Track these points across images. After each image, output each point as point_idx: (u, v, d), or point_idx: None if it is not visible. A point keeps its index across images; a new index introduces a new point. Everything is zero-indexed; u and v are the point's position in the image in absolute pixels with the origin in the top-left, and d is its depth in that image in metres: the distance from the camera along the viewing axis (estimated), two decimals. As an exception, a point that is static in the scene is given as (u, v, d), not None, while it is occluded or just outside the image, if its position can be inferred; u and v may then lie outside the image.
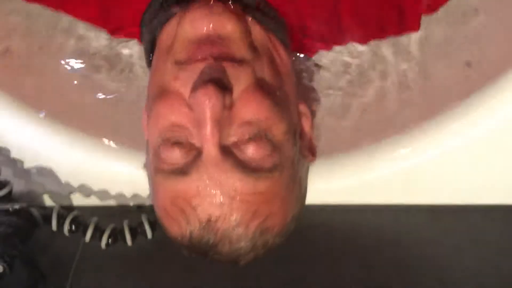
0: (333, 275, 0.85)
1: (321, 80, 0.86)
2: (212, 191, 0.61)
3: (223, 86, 0.62)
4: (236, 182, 0.61)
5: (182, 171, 0.63)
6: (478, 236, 0.88)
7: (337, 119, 0.88)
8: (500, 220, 0.88)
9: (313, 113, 0.78)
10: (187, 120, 0.63)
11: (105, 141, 0.89)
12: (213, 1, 0.68)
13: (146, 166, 0.72)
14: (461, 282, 0.83)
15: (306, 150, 0.73)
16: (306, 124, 0.74)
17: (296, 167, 0.68)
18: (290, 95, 0.70)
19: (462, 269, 0.84)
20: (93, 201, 0.93)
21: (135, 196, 0.92)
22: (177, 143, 0.64)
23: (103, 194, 0.92)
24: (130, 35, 0.83)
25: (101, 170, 0.89)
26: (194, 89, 0.62)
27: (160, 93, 0.66)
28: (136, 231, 0.87)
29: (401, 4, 0.76)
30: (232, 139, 0.63)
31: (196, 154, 0.63)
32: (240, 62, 0.65)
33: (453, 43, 0.84)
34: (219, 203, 0.61)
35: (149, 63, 0.77)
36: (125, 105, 0.90)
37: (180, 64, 0.66)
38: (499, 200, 0.88)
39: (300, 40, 0.79)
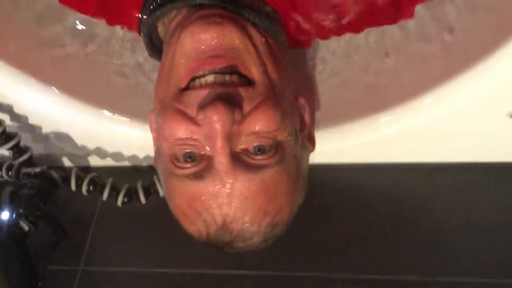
0: (331, 231, 0.89)
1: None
2: (225, 195, 0.64)
3: (232, 103, 0.63)
4: (246, 183, 0.64)
5: (197, 176, 0.65)
6: (472, 193, 0.91)
7: (339, 87, 0.91)
8: (493, 177, 0.91)
9: (312, 106, 0.80)
10: (196, 134, 0.65)
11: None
12: (210, 10, 0.68)
13: (157, 164, 0.75)
14: (454, 236, 0.87)
15: (306, 141, 0.75)
16: (305, 116, 0.76)
17: (299, 162, 0.70)
18: (290, 94, 0.72)
19: (455, 224, 0.88)
20: (108, 162, 0.98)
21: (147, 157, 0.97)
22: (189, 154, 0.66)
23: (118, 155, 0.97)
24: (128, 26, 0.84)
25: (116, 133, 0.93)
26: (203, 107, 0.63)
27: (165, 110, 0.68)
28: (149, 190, 0.93)
29: None
30: (241, 147, 0.65)
31: (208, 162, 0.65)
32: (248, 83, 0.67)
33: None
34: (233, 206, 0.65)
35: (151, 54, 0.80)
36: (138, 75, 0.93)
37: (182, 91, 0.67)
38: (493, 158, 0.91)
39: (295, 33, 0.79)
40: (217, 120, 0.62)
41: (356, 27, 0.81)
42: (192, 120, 0.65)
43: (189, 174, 0.66)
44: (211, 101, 0.63)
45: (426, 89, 0.84)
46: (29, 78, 0.90)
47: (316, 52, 0.89)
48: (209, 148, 0.65)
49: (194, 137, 0.65)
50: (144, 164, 0.98)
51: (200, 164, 0.66)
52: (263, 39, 0.70)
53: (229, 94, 0.64)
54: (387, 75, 0.87)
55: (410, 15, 0.79)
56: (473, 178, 0.91)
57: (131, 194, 0.93)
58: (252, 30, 0.69)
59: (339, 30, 0.81)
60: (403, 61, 0.87)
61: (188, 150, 0.66)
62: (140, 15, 0.79)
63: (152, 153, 0.93)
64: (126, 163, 0.98)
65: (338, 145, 0.89)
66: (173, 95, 0.67)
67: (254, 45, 0.68)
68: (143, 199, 0.92)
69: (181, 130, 0.65)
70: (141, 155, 0.97)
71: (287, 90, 0.71)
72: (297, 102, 0.74)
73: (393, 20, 0.81)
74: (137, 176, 0.95)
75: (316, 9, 0.78)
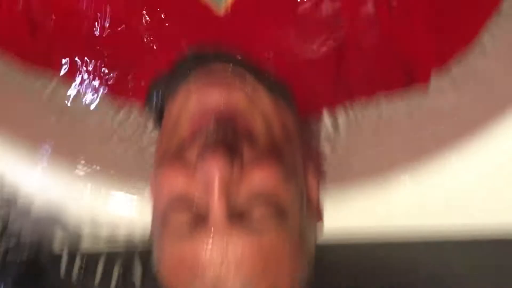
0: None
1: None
2: (218, 254, 0.60)
3: (232, 154, 0.62)
4: (241, 245, 0.61)
5: (189, 236, 0.62)
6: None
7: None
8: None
9: (319, 176, 0.77)
10: (194, 187, 0.63)
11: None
12: (219, 71, 0.70)
13: (151, 231, 0.72)
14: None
15: (313, 214, 0.73)
16: (313, 188, 0.74)
17: (303, 232, 0.67)
18: (298, 161, 0.70)
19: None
20: (101, 246, 0.92)
21: (142, 240, 0.91)
22: (184, 210, 0.63)
23: (111, 238, 0.92)
24: (134, 98, 0.85)
25: (109, 215, 0.90)
26: (202, 156, 0.62)
27: (164, 164, 0.67)
28: (144, 274, 0.87)
29: (409, 62, 0.76)
30: (239, 204, 0.63)
31: (203, 217, 0.62)
32: (250, 137, 0.66)
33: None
34: (225, 267, 0.60)
35: (158, 127, 0.79)
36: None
37: (183, 146, 0.66)
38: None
39: (305, 103, 0.79)
40: (215, 169, 0.60)
41: (364, 93, 0.81)
42: (191, 172, 0.63)
43: (182, 227, 0.63)
44: (211, 151, 0.61)
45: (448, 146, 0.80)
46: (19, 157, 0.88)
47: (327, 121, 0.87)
48: (205, 201, 0.62)
49: (191, 189, 0.63)
50: (139, 247, 0.92)
51: (194, 218, 0.62)
52: (271, 103, 0.70)
53: (230, 146, 0.63)
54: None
55: (426, 79, 0.78)
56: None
57: (125, 279, 0.87)
58: (260, 94, 0.70)
59: (348, 98, 0.81)
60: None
61: (184, 197, 0.64)
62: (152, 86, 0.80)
63: (147, 235, 0.89)
64: (120, 246, 0.92)
65: (346, 209, 0.82)
66: (174, 149, 0.67)
67: (261, 109, 0.69)
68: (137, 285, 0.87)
69: (179, 182, 0.64)
70: (136, 238, 0.91)
71: (293, 154, 0.70)
72: (305, 172, 0.72)
73: (405, 86, 0.79)
74: (131, 260, 0.90)
75: (324, 81, 0.79)
